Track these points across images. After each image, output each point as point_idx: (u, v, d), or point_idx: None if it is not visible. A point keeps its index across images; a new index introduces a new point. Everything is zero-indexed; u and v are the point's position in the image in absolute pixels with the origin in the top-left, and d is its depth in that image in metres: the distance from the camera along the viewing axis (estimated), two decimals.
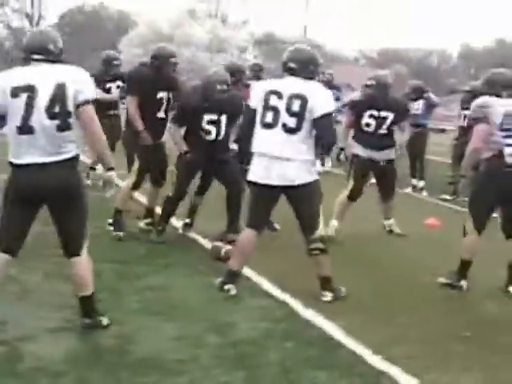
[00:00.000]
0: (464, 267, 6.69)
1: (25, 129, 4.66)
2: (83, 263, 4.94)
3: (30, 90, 4.65)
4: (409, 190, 12.87)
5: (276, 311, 5.71)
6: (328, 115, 5.81)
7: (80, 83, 4.79)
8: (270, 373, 4.51)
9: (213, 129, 7.40)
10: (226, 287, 6.05)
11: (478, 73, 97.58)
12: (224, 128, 7.45)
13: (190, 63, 67.05)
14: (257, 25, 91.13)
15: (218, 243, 7.17)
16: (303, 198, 5.91)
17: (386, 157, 8.34)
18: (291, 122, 5.80)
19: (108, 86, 11.48)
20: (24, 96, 4.64)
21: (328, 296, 6.05)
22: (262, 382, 4.37)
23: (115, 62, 11.69)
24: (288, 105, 5.79)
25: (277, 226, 8.19)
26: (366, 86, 9.48)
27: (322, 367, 4.65)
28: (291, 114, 5.80)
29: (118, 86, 11.38)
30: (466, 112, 11.32)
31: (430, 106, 13.32)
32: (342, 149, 14.12)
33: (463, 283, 6.68)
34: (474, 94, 11.14)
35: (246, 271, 6.49)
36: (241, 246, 6.15)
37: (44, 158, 4.70)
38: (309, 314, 5.67)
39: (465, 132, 11.54)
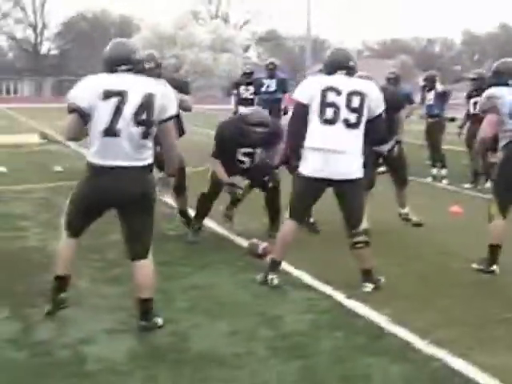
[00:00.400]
0: (493, 252, 6.85)
1: (111, 132, 4.88)
2: (148, 266, 5.13)
3: (121, 94, 4.87)
4: (429, 179, 13.04)
5: (320, 303, 5.89)
6: (381, 114, 6.03)
7: (167, 98, 5.02)
8: (324, 361, 4.70)
9: (248, 159, 7.68)
10: (270, 277, 6.28)
11: (483, 58, 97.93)
12: (259, 155, 7.69)
13: (195, 65, 67.37)
14: (258, 23, 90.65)
15: (255, 240, 7.35)
16: (354, 192, 6.11)
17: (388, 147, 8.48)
18: (352, 118, 6.00)
19: None
20: (115, 100, 4.86)
21: (369, 287, 6.23)
22: (318, 370, 4.55)
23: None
24: (348, 101, 5.98)
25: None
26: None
27: (373, 354, 4.83)
28: (351, 109, 5.99)
29: None
30: (474, 99, 11.61)
31: (440, 96, 13.47)
32: None
33: (495, 268, 6.83)
34: (481, 81, 11.54)
35: (286, 266, 6.68)
36: (282, 236, 6.33)
37: (126, 162, 4.91)
38: (352, 304, 5.84)
39: (472, 119, 11.83)
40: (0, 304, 5.69)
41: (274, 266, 6.35)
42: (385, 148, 8.39)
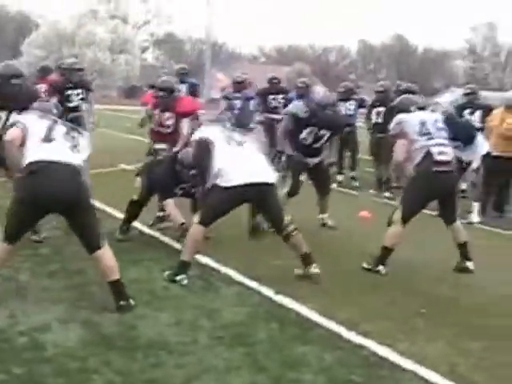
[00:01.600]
0: (385, 254, 7.48)
1: None
2: (108, 250, 5.61)
3: None
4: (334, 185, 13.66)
5: (251, 297, 6.34)
6: None
7: None
8: (265, 349, 5.14)
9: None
10: (179, 277, 6.65)
11: (377, 67, 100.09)
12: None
13: (93, 64, 66.84)
14: (158, 24, 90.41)
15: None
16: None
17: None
18: None
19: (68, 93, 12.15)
20: None
21: (316, 267, 6.86)
22: (261, 357, 4.98)
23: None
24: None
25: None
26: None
27: (307, 343, 5.31)
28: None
29: (77, 94, 12.08)
30: (377, 109, 12.51)
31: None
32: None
33: (381, 268, 7.46)
34: (386, 94, 12.45)
35: (213, 263, 7.14)
36: (195, 239, 6.76)
37: None
38: (281, 299, 6.29)
39: (374, 129, 12.72)
40: None
41: (186, 267, 6.72)
42: (314, 160, 8.99)
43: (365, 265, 7.52)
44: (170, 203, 7.79)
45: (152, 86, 16.05)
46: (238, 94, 14.87)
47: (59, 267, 6.53)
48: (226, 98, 15.09)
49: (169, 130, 9.23)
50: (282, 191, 8.37)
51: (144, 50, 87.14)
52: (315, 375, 4.76)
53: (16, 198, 5.57)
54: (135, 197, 8.08)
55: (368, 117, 13.36)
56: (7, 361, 4.68)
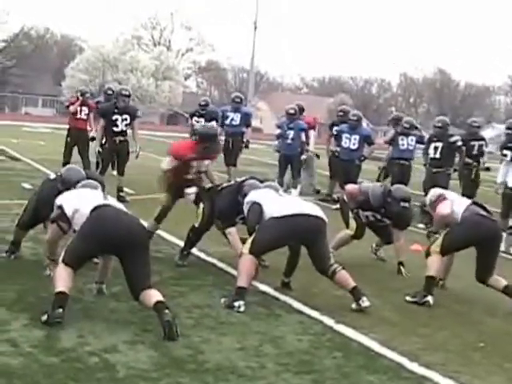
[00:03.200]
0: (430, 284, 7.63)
1: None
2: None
3: None
4: None
5: (313, 326, 6.44)
6: None
7: None
8: (332, 376, 5.24)
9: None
10: (237, 303, 6.74)
11: (419, 101, 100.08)
12: None
13: (136, 90, 67.54)
14: (201, 51, 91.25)
15: None
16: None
17: None
18: None
19: (114, 117, 12.50)
20: None
21: (365, 301, 6.92)
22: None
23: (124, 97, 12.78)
24: None
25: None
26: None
27: (373, 372, 5.39)
28: None
29: (123, 120, 12.44)
30: (437, 144, 12.68)
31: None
32: None
33: (429, 298, 7.52)
34: (444, 129, 12.62)
35: (271, 291, 7.27)
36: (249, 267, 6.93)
37: None
38: (342, 328, 6.39)
39: (434, 164, 12.88)
40: (16, 311, 6.04)
41: (243, 293, 6.83)
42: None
43: (408, 298, 7.60)
44: (232, 231, 7.93)
45: (192, 115, 16.38)
46: (291, 125, 15.05)
47: (121, 289, 6.64)
48: (278, 127, 15.27)
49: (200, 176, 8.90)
50: None
51: (187, 77, 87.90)
52: None
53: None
54: (196, 224, 8.22)
55: (426, 152, 13.43)
56: (81, 379, 4.80)
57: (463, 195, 11.48)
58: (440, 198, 7.94)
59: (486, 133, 20.49)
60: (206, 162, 8.68)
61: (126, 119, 12.88)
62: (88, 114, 15.65)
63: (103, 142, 13.25)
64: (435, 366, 5.64)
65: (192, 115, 16.83)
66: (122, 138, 12.96)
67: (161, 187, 8.75)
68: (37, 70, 76.88)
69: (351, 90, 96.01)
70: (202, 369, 5.18)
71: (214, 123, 16.04)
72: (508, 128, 11.65)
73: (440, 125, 13.27)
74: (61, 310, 5.75)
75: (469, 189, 13.57)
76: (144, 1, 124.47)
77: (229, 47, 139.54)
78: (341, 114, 15.68)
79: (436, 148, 13.09)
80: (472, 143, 13.42)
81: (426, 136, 14.56)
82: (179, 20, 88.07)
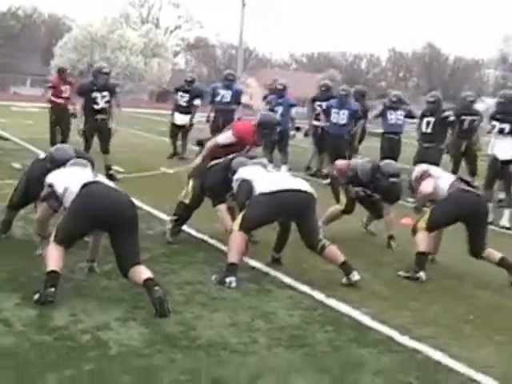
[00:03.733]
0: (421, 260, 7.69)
1: None
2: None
3: None
4: None
5: (304, 301, 6.48)
6: None
7: None
8: (323, 350, 5.29)
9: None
10: (228, 279, 6.78)
11: (408, 76, 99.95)
12: None
13: (125, 68, 67.28)
14: (189, 29, 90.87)
15: None
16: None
17: None
18: None
19: (94, 95, 12.44)
20: None
21: (356, 274, 6.98)
22: (321, 358, 5.13)
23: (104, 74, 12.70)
24: None
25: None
26: None
27: (365, 346, 5.44)
28: None
29: (103, 96, 12.39)
30: (427, 119, 12.59)
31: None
32: None
33: (421, 274, 7.57)
34: (437, 104, 12.55)
35: (263, 267, 7.33)
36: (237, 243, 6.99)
37: None
38: (333, 302, 6.43)
39: (426, 138, 12.83)
40: (8, 291, 6.08)
41: (234, 269, 6.86)
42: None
43: (401, 273, 7.65)
44: (221, 208, 7.95)
45: (177, 90, 16.43)
46: (280, 100, 15.05)
47: (113, 267, 6.63)
48: (267, 103, 15.27)
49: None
50: None
51: (175, 54, 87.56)
52: (375, 376, 4.89)
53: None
54: (186, 201, 8.23)
55: (419, 127, 13.42)
56: (74, 358, 4.82)
57: (454, 172, 11.61)
58: (424, 175, 7.98)
59: (476, 106, 20.47)
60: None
61: (105, 96, 12.80)
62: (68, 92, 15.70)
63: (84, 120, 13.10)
64: (426, 339, 5.69)
65: (177, 90, 16.88)
66: (103, 116, 12.88)
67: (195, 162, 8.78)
68: (25, 50, 76.43)
69: (340, 65, 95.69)
70: (194, 345, 5.21)
71: (198, 100, 16.12)
72: (501, 98, 11.59)
73: (433, 100, 13.23)
74: (53, 288, 5.77)
75: (468, 164, 13.56)
76: None
77: (217, 24, 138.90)
78: (323, 89, 15.68)
79: (428, 123, 13.06)
80: (462, 117, 13.36)
81: (415, 111, 14.57)
82: None
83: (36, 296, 5.77)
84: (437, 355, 5.38)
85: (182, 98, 16.67)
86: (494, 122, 11.45)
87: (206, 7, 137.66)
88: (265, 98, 16.63)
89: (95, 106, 12.74)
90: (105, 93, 12.76)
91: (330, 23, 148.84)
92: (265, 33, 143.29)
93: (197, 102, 16.64)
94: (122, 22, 77.82)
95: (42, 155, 7.80)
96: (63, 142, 14.26)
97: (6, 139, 18.36)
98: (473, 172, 13.27)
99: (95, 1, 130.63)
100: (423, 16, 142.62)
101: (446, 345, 5.60)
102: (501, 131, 11.27)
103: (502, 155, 11.24)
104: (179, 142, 16.89)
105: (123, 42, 70.37)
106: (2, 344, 4.94)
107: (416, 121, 14.12)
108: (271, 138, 8.64)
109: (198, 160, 8.58)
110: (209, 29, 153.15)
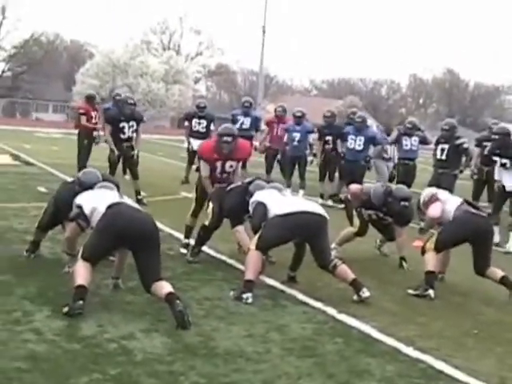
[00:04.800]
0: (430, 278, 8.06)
1: None
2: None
3: None
4: None
5: (316, 316, 6.88)
6: None
7: None
8: (333, 359, 5.68)
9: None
10: (245, 295, 7.20)
11: (428, 102, 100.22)
12: None
13: (146, 94, 67.97)
14: (210, 55, 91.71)
15: None
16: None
17: None
18: None
19: (122, 125, 13.03)
20: None
21: (366, 291, 7.36)
22: (330, 366, 5.52)
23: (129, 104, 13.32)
24: None
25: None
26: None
27: (371, 356, 5.82)
28: None
29: (130, 126, 12.99)
30: (444, 146, 12.93)
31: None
32: None
33: (431, 292, 7.95)
34: (451, 132, 12.87)
35: (278, 284, 7.78)
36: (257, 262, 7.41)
37: None
38: (343, 317, 6.82)
39: (440, 165, 13.18)
40: (39, 304, 6.50)
41: (250, 286, 7.28)
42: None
43: (410, 291, 8.02)
44: (240, 230, 8.37)
45: (192, 117, 16.80)
46: (297, 127, 15.48)
47: (137, 284, 7.05)
48: (286, 130, 15.70)
49: (227, 176, 9.11)
50: None
51: (196, 81, 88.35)
52: (379, 383, 5.26)
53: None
54: (206, 222, 8.66)
55: (434, 153, 13.77)
56: (101, 363, 5.24)
57: (475, 198, 11.97)
58: (432, 199, 8.40)
59: None
60: (230, 163, 9.00)
61: (132, 126, 13.45)
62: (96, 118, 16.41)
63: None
64: (430, 350, 6.07)
65: (192, 117, 17.21)
66: (128, 144, 13.47)
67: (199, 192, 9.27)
68: (47, 76, 77.56)
69: (361, 91, 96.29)
70: (212, 353, 5.62)
71: (213, 125, 16.55)
72: (496, 134, 11.86)
73: (447, 127, 13.58)
74: (81, 301, 6.20)
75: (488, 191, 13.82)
76: (153, 5, 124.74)
77: (238, 50, 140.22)
78: (328, 115, 16.02)
79: (443, 150, 13.44)
80: (485, 144, 13.54)
81: (430, 137, 14.94)
82: (188, 24, 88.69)
83: (65, 309, 6.20)
84: (439, 365, 5.75)
85: (200, 125, 17.01)
86: (495, 157, 11.78)
87: (228, 34, 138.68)
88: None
89: (122, 136, 13.37)
90: (132, 122, 13.37)
91: (351, 49, 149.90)
92: (285, 59, 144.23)
93: (213, 126, 17.03)
94: (144, 48, 78.77)
95: (70, 179, 8.27)
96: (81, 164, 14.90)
97: (32, 164, 18.90)
98: (491, 199, 13.46)
99: (117, 27, 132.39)
100: (442, 41, 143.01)
101: (449, 356, 5.97)
102: (503, 165, 11.58)
103: (510, 187, 11.59)
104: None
105: (144, 68, 71.20)
106: (36, 350, 5.36)
107: (432, 147, 14.46)
108: (231, 148, 8.82)
109: (209, 191, 9.03)
110: (230, 55, 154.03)
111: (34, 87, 74.66)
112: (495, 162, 11.77)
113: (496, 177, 11.92)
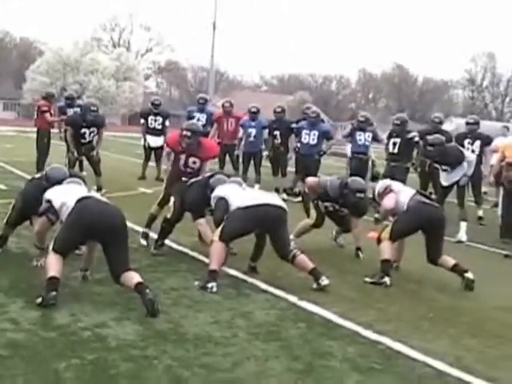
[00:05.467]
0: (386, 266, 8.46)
1: None
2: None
3: None
4: None
5: (278, 303, 7.20)
6: None
7: None
8: (297, 343, 6.01)
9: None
10: (210, 284, 7.50)
11: (378, 97, 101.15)
12: None
13: (97, 91, 67.72)
14: (160, 52, 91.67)
15: None
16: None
17: None
18: None
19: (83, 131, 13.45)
20: None
21: (325, 279, 7.72)
22: (295, 349, 5.85)
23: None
24: None
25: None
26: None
27: (333, 339, 6.17)
28: None
29: (91, 132, 13.43)
30: (393, 140, 13.38)
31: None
32: None
33: (387, 279, 8.35)
34: (402, 126, 13.30)
35: (240, 275, 8.18)
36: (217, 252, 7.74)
37: None
38: (305, 304, 7.16)
39: (392, 158, 13.59)
40: (12, 296, 6.74)
41: (215, 276, 7.59)
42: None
43: (367, 279, 8.40)
44: (202, 222, 8.66)
45: (148, 114, 17.07)
46: (253, 123, 15.79)
47: (105, 275, 7.29)
48: (241, 126, 15.99)
49: (191, 171, 9.45)
50: None
51: (147, 77, 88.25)
52: (341, 363, 5.61)
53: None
54: (168, 215, 8.93)
55: (387, 147, 14.20)
56: (78, 349, 5.49)
57: (423, 189, 12.40)
58: (386, 191, 8.79)
59: (445, 126, 21.19)
60: (193, 159, 9.35)
61: (93, 132, 13.91)
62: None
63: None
64: (388, 332, 6.43)
65: (147, 114, 17.51)
66: (87, 145, 13.91)
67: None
68: None
69: (310, 87, 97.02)
70: (182, 339, 5.91)
71: (168, 121, 16.87)
72: (431, 145, 12.01)
73: (398, 122, 14.07)
74: (54, 292, 6.45)
75: (433, 181, 14.20)
76: (102, 2, 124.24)
77: (188, 47, 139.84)
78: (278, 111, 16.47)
79: (395, 143, 13.91)
80: (427, 137, 13.96)
81: (380, 134, 15.36)
82: (138, 21, 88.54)
83: (39, 299, 6.44)
84: (397, 346, 6.11)
85: (156, 122, 17.31)
86: (436, 165, 12.32)
87: (177, 30, 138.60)
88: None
89: (82, 140, 13.83)
90: (93, 128, 13.77)
91: (300, 45, 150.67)
92: (235, 55, 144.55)
93: (167, 122, 17.46)
94: (94, 45, 78.50)
95: (38, 175, 8.49)
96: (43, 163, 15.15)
97: None
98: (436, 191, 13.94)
99: (67, 24, 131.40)
100: (392, 36, 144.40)
101: (406, 337, 6.33)
102: (444, 170, 12.07)
103: (446, 183, 12.11)
104: (151, 164, 17.56)
105: (95, 65, 71.03)
106: (15, 339, 5.60)
107: (382, 145, 14.90)
108: (191, 143, 9.18)
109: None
110: (180, 52, 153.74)
111: None
112: (437, 168, 12.26)
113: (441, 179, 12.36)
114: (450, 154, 11.81)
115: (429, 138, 12.39)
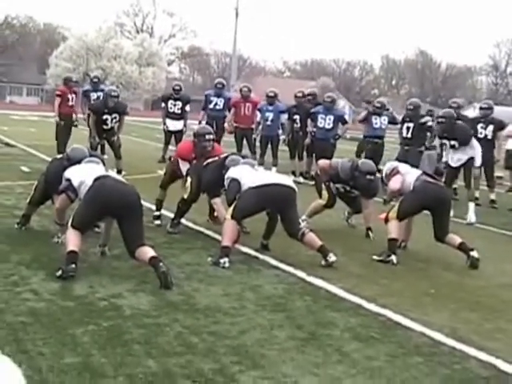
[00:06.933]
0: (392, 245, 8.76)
1: None
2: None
3: None
4: None
5: (287, 278, 7.54)
6: None
7: None
8: (301, 314, 6.34)
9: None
10: (222, 260, 7.85)
11: (401, 83, 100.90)
12: None
13: (120, 77, 68.12)
14: (184, 37, 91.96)
15: None
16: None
17: None
18: None
19: (105, 117, 13.86)
20: None
21: (333, 256, 8.04)
22: (299, 319, 6.17)
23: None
24: None
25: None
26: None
27: (336, 311, 6.49)
28: None
29: (113, 118, 13.84)
30: (409, 124, 13.66)
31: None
32: None
33: (393, 258, 8.65)
34: (416, 111, 13.58)
35: (252, 252, 8.52)
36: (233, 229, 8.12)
37: None
38: (313, 279, 7.48)
39: (406, 142, 13.87)
40: (34, 269, 7.11)
41: (227, 251, 7.93)
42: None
43: (375, 257, 8.71)
44: (217, 202, 9.00)
45: (168, 98, 17.38)
46: (270, 107, 16.10)
47: (122, 251, 7.63)
48: (259, 110, 16.29)
49: None
50: None
51: (170, 63, 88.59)
52: (342, 332, 5.92)
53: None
54: (185, 195, 9.27)
55: (400, 132, 14.49)
56: (95, 317, 5.84)
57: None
58: (393, 172, 9.08)
59: (468, 113, 21.42)
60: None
61: (115, 118, 14.27)
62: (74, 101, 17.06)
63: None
64: (390, 306, 6.74)
65: (167, 99, 17.88)
66: (109, 131, 14.32)
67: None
68: (21, 59, 77.55)
69: (334, 72, 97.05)
70: (193, 309, 6.25)
71: (188, 106, 17.19)
72: (441, 117, 12.31)
73: (411, 107, 14.42)
74: (73, 265, 6.82)
75: None
76: None
77: (211, 32, 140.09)
78: (299, 95, 16.71)
79: (408, 128, 14.26)
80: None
81: (397, 117, 15.63)
82: (161, 6, 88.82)
83: (59, 272, 6.81)
84: (397, 318, 6.42)
85: (175, 106, 17.66)
86: (445, 141, 12.46)
87: (201, 16, 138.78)
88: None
89: (105, 127, 14.23)
90: (115, 114, 14.16)
91: (324, 31, 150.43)
92: (258, 41, 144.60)
93: (188, 108, 17.77)
94: (117, 31, 78.88)
95: (59, 156, 8.88)
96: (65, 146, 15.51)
97: (12, 146, 19.41)
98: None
99: (90, 10, 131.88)
100: (415, 23, 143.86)
101: (406, 310, 6.64)
102: (452, 146, 12.29)
103: (455, 163, 12.37)
104: (172, 147, 17.92)
105: (118, 51, 71.42)
106: (35, 307, 5.96)
107: (398, 126, 15.15)
108: (208, 147, 9.51)
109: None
110: (203, 37, 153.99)
111: (8, 70, 74.65)
112: (445, 144, 12.45)
113: (444, 158, 12.60)
114: (458, 129, 12.10)
115: (441, 111, 12.68)
